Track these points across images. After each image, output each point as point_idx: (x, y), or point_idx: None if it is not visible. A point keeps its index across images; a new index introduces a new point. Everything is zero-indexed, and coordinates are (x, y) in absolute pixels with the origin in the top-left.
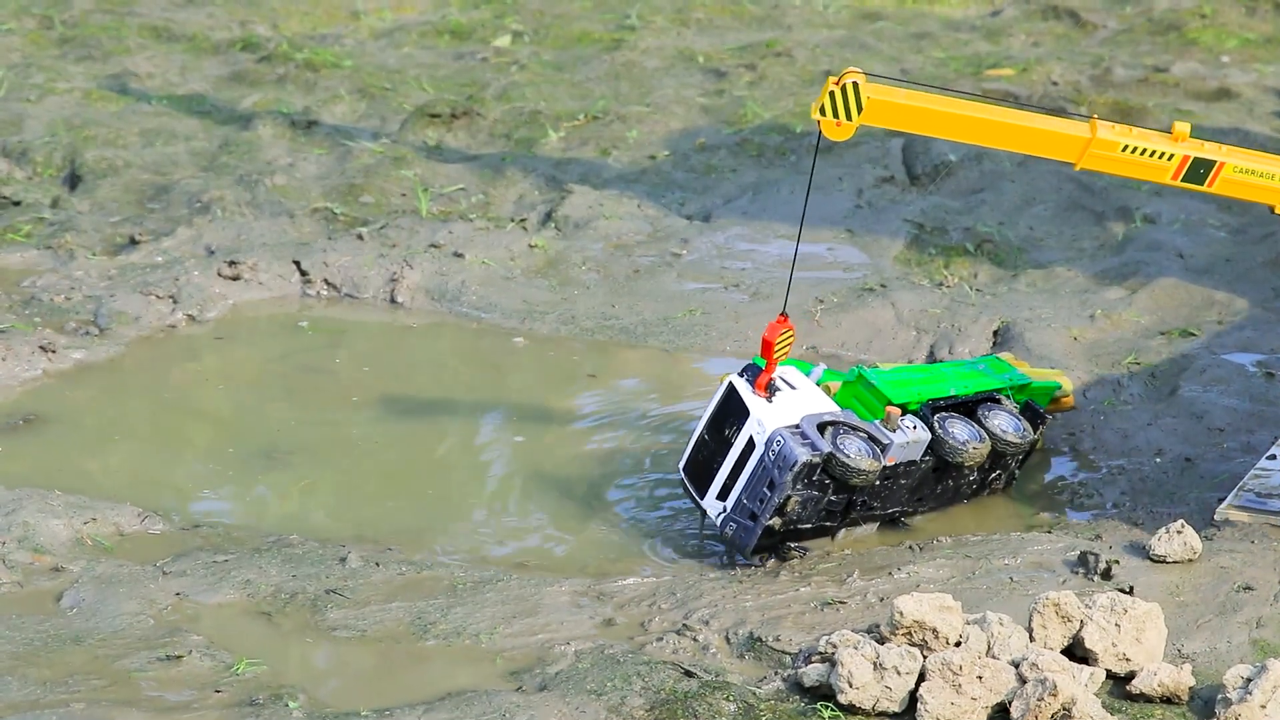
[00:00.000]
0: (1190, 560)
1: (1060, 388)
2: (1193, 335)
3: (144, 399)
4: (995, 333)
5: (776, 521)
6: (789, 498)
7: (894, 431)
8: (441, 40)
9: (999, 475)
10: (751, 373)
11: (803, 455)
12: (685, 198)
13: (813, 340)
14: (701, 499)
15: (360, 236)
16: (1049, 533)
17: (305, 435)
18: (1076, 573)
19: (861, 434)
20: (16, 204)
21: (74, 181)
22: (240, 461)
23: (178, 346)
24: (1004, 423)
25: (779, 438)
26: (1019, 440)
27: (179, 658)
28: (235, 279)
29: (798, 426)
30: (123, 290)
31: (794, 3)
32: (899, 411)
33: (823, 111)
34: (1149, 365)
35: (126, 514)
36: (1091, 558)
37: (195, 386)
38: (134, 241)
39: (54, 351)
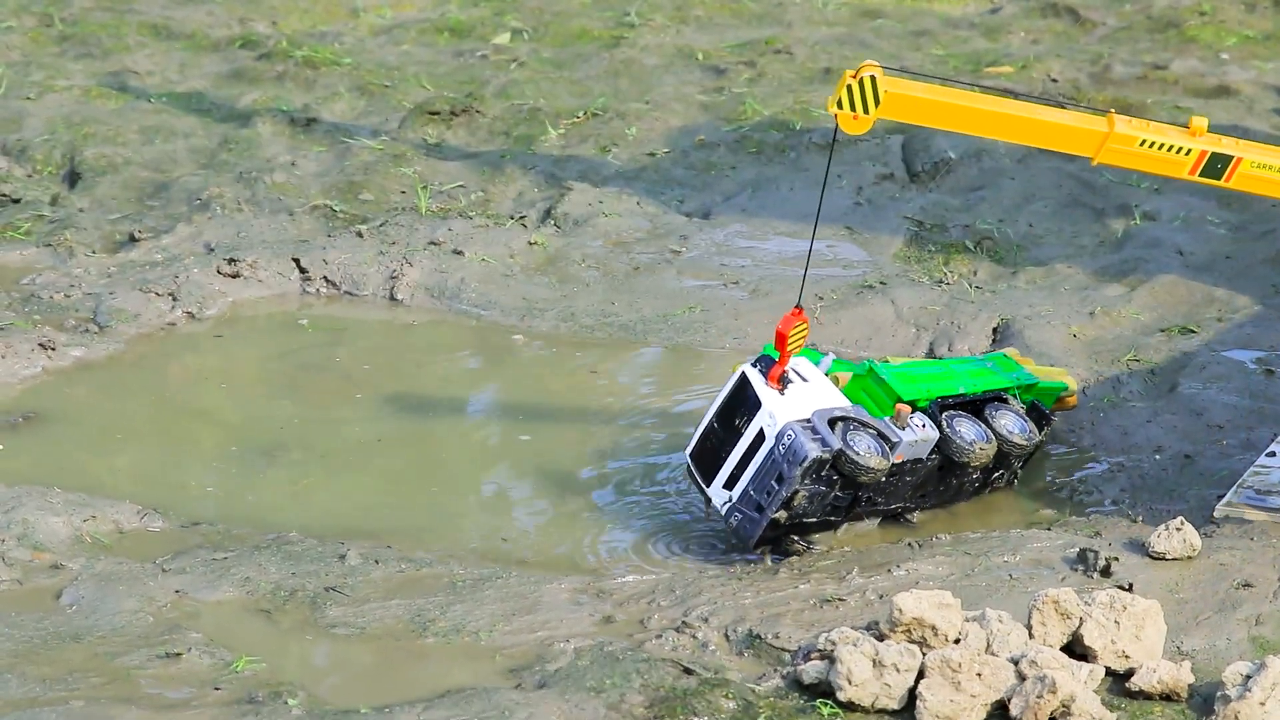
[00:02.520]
0: (1190, 557)
1: (1066, 388)
2: (1192, 332)
3: (143, 397)
4: (995, 330)
5: (782, 515)
6: (796, 492)
7: (903, 429)
8: (441, 38)
9: (1001, 475)
10: (764, 364)
11: (813, 451)
12: (685, 195)
13: (813, 337)
14: (708, 487)
15: (360, 234)
16: (1048, 530)
17: (304, 433)
18: (1076, 570)
19: (871, 431)
20: (16, 201)
21: (73, 179)
22: (239, 459)
23: (177, 344)
24: (1010, 424)
25: (790, 431)
26: (1025, 442)
27: (178, 655)
28: (235, 276)
29: (809, 421)
30: (122, 288)
31: (794, 0)
32: (909, 409)
33: (840, 105)
34: (1149, 362)
35: (126, 511)
36: (1091, 555)
37: (195, 384)
38: (133, 239)
39: (54, 349)
